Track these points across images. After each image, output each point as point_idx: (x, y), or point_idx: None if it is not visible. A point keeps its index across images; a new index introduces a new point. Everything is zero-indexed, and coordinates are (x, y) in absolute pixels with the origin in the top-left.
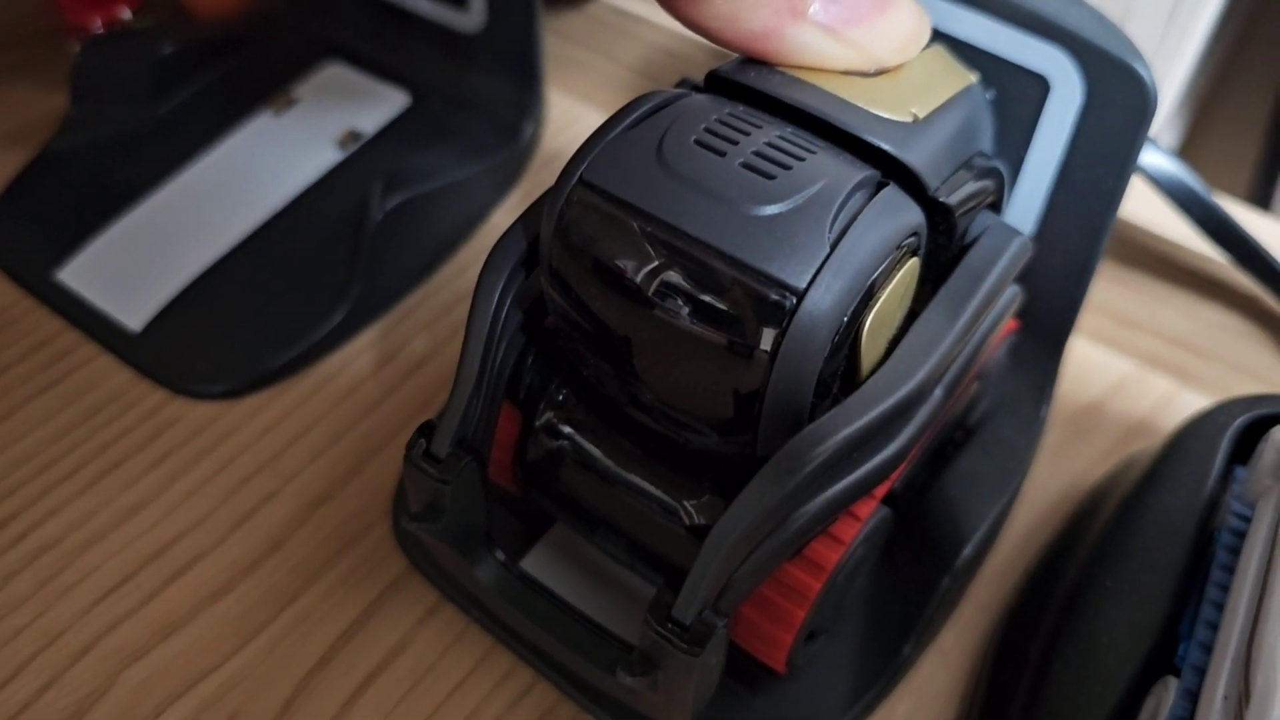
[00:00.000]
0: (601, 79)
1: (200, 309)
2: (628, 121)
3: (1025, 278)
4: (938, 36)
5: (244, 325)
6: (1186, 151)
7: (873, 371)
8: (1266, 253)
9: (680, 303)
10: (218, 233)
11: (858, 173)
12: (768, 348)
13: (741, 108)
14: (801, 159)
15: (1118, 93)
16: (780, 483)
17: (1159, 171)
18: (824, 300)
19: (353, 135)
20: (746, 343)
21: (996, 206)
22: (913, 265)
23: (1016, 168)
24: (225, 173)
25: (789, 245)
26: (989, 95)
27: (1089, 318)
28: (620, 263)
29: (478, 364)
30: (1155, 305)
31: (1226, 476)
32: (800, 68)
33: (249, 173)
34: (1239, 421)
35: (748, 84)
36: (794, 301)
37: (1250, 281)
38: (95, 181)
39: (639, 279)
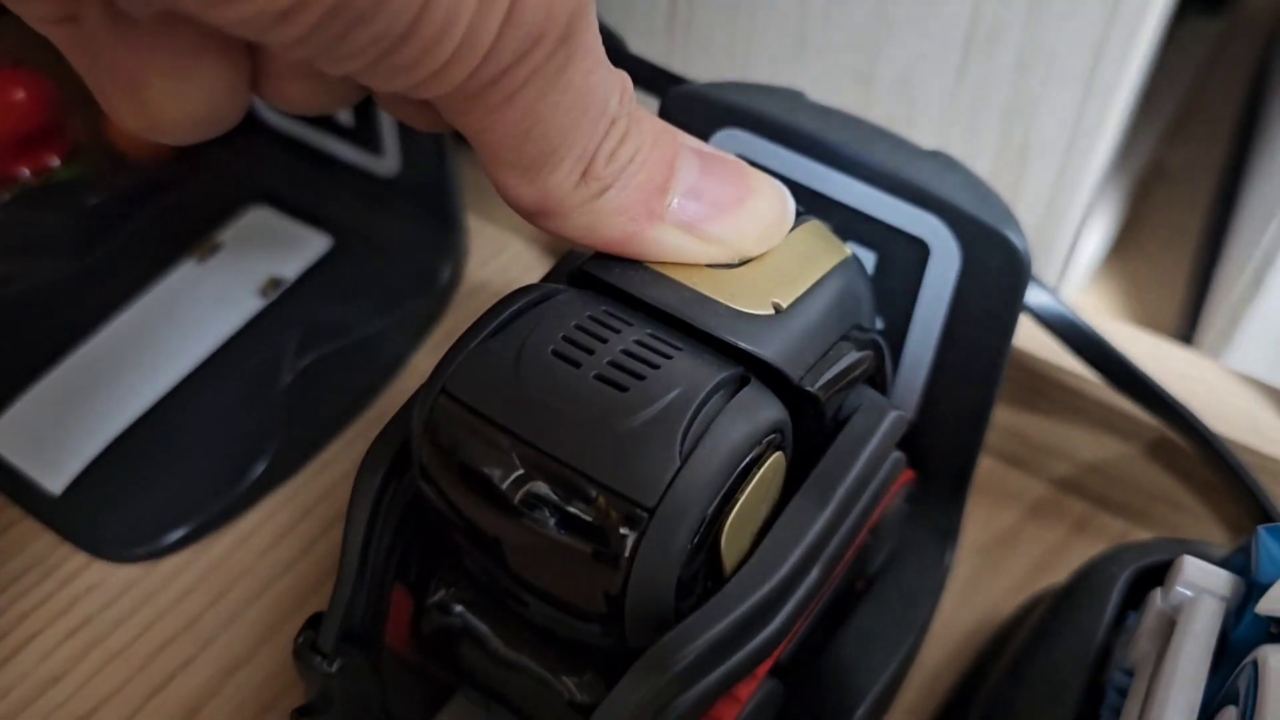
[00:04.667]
0: None
1: (121, 469)
2: (493, 326)
3: (918, 433)
4: (822, 201)
5: (164, 484)
6: (1119, 253)
7: (738, 567)
8: (1165, 392)
9: (544, 513)
10: (139, 389)
11: (717, 373)
12: (626, 554)
13: (604, 309)
14: (657, 366)
15: (992, 258)
16: (651, 681)
17: (1050, 314)
18: (676, 512)
19: (274, 282)
20: (607, 551)
21: (876, 378)
22: (776, 460)
23: (904, 325)
24: (148, 326)
25: (638, 462)
26: (873, 256)
27: (1005, 441)
28: (483, 471)
29: (356, 563)
30: (1065, 431)
31: (1120, 623)
32: (664, 263)
33: (171, 326)
34: (1128, 572)
35: (611, 282)
36: (646, 517)
37: None
38: (18, 339)
39: (502, 488)
